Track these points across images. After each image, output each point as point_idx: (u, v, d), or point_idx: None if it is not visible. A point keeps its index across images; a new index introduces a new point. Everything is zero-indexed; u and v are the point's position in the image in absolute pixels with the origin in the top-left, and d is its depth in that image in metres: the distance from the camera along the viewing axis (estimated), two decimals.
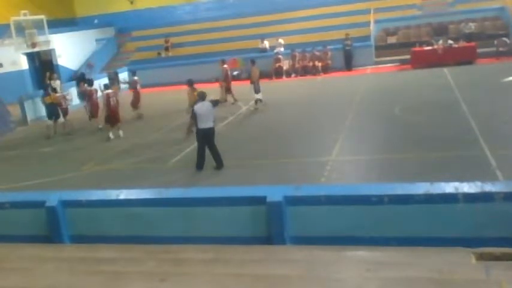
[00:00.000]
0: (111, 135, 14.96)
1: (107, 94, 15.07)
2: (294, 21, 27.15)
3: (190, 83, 14.60)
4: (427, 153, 10.31)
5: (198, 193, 5.79)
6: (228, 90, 18.81)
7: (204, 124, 10.61)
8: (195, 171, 10.75)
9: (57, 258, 5.19)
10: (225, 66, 19.12)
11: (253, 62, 18.40)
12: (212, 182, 9.98)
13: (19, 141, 16.90)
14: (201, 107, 10.66)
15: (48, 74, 22.79)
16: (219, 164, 10.75)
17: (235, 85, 19.31)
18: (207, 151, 10.81)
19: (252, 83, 17.47)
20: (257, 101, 17.13)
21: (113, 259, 4.96)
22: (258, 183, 9.40)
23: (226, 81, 18.89)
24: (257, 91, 17.20)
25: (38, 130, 17.70)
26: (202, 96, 10.94)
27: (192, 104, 14.14)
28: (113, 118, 15.04)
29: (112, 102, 14.94)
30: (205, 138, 10.72)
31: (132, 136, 15.26)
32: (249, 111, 17.01)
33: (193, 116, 10.67)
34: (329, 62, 24.07)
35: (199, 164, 10.81)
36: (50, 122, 16.56)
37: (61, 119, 16.74)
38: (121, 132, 15.18)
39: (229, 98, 18.69)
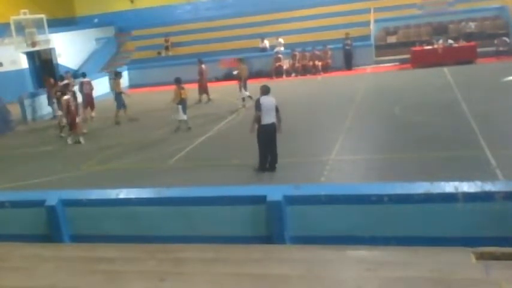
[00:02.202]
0: (69, 140, 14.99)
1: (67, 100, 14.86)
2: (294, 20, 27.13)
3: (178, 82, 14.86)
4: (427, 153, 10.30)
5: (198, 192, 5.77)
6: (203, 89, 19.46)
7: (267, 119, 9.83)
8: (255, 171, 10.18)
9: (57, 257, 5.19)
10: (202, 66, 19.62)
11: (241, 60, 18.57)
12: (212, 181, 9.97)
13: (19, 140, 16.89)
14: (265, 100, 9.89)
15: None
16: (273, 167, 10.08)
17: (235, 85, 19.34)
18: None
19: (241, 81, 17.72)
20: (244, 98, 17.35)
21: (113, 258, 4.96)
22: (257, 183, 9.44)
23: (201, 80, 19.51)
24: (245, 89, 17.40)
25: (37, 129, 17.68)
26: (266, 90, 10.02)
27: (176, 101, 14.66)
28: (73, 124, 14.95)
29: (73, 107, 14.87)
30: (267, 135, 9.93)
31: (132, 135, 15.26)
32: (248, 110, 17.00)
33: (259, 108, 9.77)
34: (329, 61, 24.04)
35: (262, 165, 10.11)
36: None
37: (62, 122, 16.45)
38: (81, 139, 14.99)
39: (204, 98, 19.44)
